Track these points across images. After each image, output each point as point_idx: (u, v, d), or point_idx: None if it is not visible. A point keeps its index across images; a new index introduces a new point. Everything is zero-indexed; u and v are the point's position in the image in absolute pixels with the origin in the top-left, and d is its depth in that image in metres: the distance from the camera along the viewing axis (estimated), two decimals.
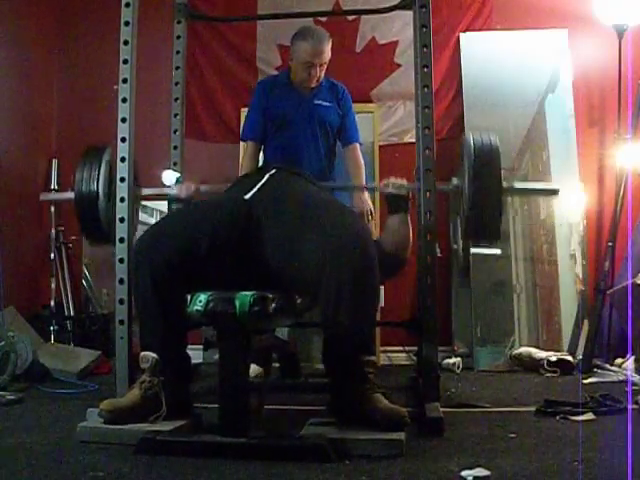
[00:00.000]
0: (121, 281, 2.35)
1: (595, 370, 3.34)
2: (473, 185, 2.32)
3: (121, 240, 2.36)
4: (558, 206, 3.88)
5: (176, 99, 2.97)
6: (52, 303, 3.99)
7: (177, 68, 2.97)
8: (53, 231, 4.09)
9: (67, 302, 4.05)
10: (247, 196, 2.24)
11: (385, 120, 4.07)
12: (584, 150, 3.92)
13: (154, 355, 2.05)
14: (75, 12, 4.30)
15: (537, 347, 3.58)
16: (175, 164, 2.93)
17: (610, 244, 3.60)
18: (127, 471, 1.69)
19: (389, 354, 3.91)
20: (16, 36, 3.93)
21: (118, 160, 2.39)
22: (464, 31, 4.06)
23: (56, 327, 3.84)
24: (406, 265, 2.50)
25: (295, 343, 3.34)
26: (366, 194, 3.27)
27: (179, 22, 2.96)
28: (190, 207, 2.52)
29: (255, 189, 2.26)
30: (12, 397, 2.62)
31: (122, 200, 2.38)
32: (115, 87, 2.43)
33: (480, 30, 4.06)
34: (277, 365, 3.16)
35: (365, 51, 4.13)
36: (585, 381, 3.10)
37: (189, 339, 2.15)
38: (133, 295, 2.26)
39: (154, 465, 1.74)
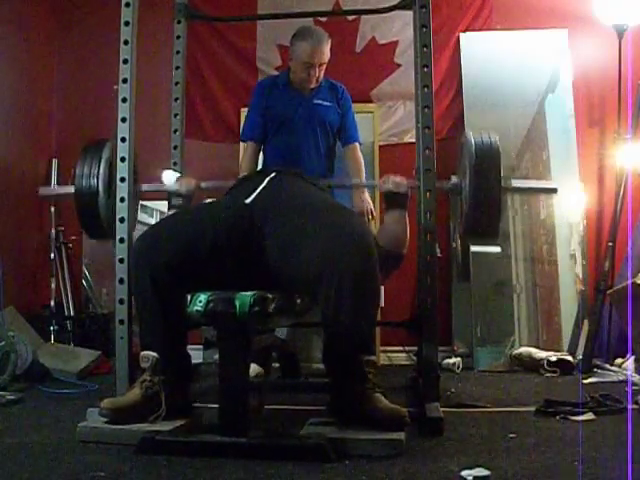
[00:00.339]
0: (121, 281, 2.35)
1: (595, 370, 3.34)
2: (473, 183, 2.33)
3: (121, 240, 2.36)
4: (558, 206, 3.88)
5: (176, 99, 2.97)
6: (52, 303, 3.99)
7: (177, 68, 2.96)
8: (53, 231, 4.09)
9: (67, 302, 4.05)
10: (248, 200, 2.23)
11: (385, 120, 4.07)
12: (584, 150, 3.92)
13: (154, 354, 2.04)
14: (75, 12, 4.30)
15: (537, 347, 3.58)
16: (175, 164, 2.93)
17: (610, 244, 3.61)
18: (127, 471, 1.69)
19: (389, 354, 3.91)
20: (16, 36, 3.93)
21: (118, 160, 2.39)
22: (464, 31, 4.06)
23: (56, 327, 3.84)
24: (403, 261, 2.49)
25: (295, 343, 3.34)
26: (366, 194, 3.27)
27: (179, 22, 2.96)
28: (191, 209, 2.52)
29: (256, 193, 2.26)
30: (12, 397, 2.62)
31: (122, 200, 2.38)
32: (115, 87, 2.43)
33: (480, 30, 4.06)
34: (277, 365, 3.17)
35: (365, 51, 4.13)
36: (585, 381, 3.10)
37: (189, 339, 2.15)
38: (133, 295, 2.26)
39: (154, 465, 1.73)
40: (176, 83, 2.97)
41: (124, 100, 2.40)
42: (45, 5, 4.22)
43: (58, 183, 4.11)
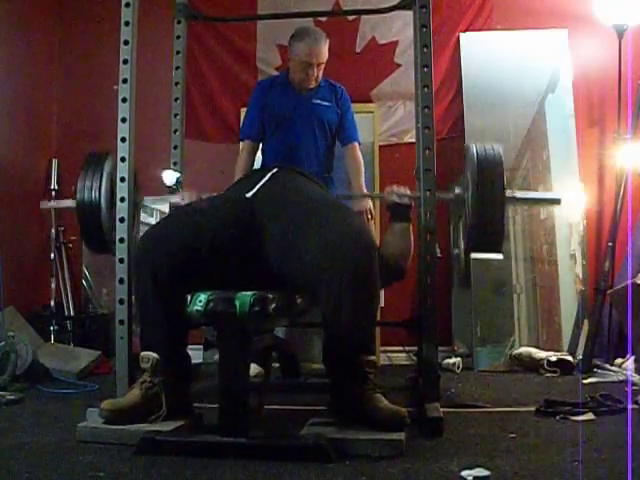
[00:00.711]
0: (121, 281, 2.35)
1: (595, 370, 3.34)
2: (476, 195, 2.29)
3: (121, 240, 2.36)
4: (558, 206, 3.87)
5: (176, 99, 2.97)
6: (52, 303, 3.99)
7: (177, 68, 2.97)
8: (53, 231, 4.09)
9: (67, 302, 4.05)
10: (249, 194, 2.24)
11: (385, 120, 4.07)
12: (584, 150, 3.92)
13: (154, 355, 2.05)
14: (75, 12, 4.30)
15: (537, 347, 3.58)
16: (175, 164, 2.93)
17: (610, 244, 3.61)
18: (127, 471, 1.69)
19: (389, 354, 3.91)
20: (16, 36, 3.93)
21: (118, 160, 2.39)
22: (464, 31, 4.06)
23: (56, 327, 3.84)
24: (405, 275, 2.49)
25: (295, 343, 3.34)
26: (365, 193, 3.27)
27: (179, 22, 2.96)
28: (191, 207, 2.51)
29: (257, 187, 2.26)
30: (12, 397, 2.62)
31: (122, 200, 2.38)
32: (115, 87, 2.43)
33: (480, 30, 4.06)
34: (277, 365, 3.17)
35: (365, 51, 4.13)
36: (585, 381, 3.10)
37: (189, 339, 2.15)
38: (134, 295, 2.26)
39: (154, 465, 1.74)
40: (176, 83, 2.97)
41: (124, 100, 2.40)
42: (45, 5, 4.22)
43: (58, 183, 4.12)
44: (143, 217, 3.78)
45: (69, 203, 2.55)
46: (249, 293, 1.89)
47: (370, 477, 1.65)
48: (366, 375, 2.00)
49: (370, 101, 4.06)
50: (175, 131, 2.97)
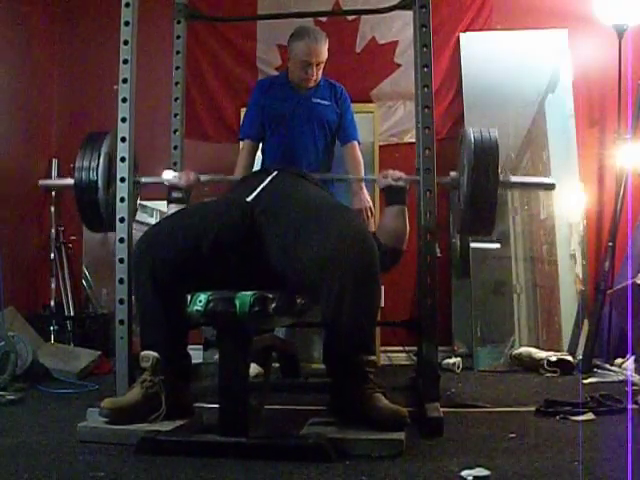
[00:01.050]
0: (121, 281, 2.35)
1: (595, 370, 3.34)
2: (471, 177, 2.34)
3: (121, 240, 2.36)
4: (558, 206, 3.88)
5: (176, 99, 2.97)
6: (52, 303, 3.99)
7: (177, 68, 2.97)
8: (53, 231, 4.09)
9: (67, 302, 4.05)
10: (249, 198, 2.24)
11: (385, 120, 4.07)
12: (584, 150, 3.92)
13: (154, 354, 2.04)
14: (75, 12, 4.30)
15: (537, 347, 3.58)
16: (175, 164, 2.93)
17: (610, 244, 3.61)
18: (127, 471, 1.69)
19: (389, 354, 3.91)
20: (16, 36, 3.93)
21: (118, 160, 2.39)
22: (464, 31, 4.06)
23: (56, 327, 3.84)
24: (402, 257, 2.49)
25: (295, 343, 3.34)
26: (365, 192, 3.27)
27: (179, 22, 2.96)
28: (191, 208, 2.51)
29: (257, 191, 2.26)
30: (12, 397, 2.62)
31: (122, 200, 2.38)
32: (115, 87, 2.43)
33: (480, 30, 4.06)
34: (277, 365, 3.16)
35: (365, 51, 4.13)
36: (585, 381, 3.10)
37: (189, 339, 2.15)
38: (134, 294, 2.26)
39: (154, 465, 1.73)
40: (176, 83, 2.97)
41: (124, 100, 2.40)
42: (45, 5, 4.22)
43: None
44: (143, 217, 3.79)
45: (68, 181, 2.55)
46: (249, 293, 1.89)
47: (370, 477, 1.65)
48: (366, 375, 1.99)
49: (370, 101, 4.06)
50: (175, 131, 2.97)
